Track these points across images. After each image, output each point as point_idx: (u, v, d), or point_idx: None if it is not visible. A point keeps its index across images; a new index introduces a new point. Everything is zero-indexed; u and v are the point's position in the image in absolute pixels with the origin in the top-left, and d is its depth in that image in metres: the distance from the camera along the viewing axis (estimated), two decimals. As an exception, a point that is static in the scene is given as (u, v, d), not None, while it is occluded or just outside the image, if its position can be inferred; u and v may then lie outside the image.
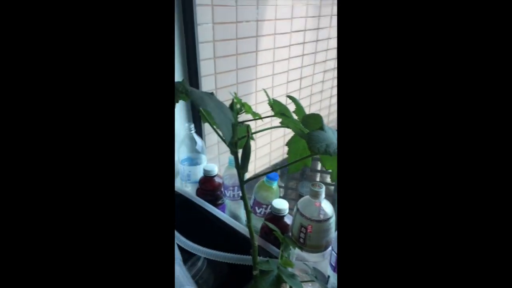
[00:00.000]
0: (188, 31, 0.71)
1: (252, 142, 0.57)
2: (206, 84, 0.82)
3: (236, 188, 0.73)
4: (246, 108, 0.49)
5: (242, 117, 0.53)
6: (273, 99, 0.45)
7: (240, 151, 0.50)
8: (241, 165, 0.49)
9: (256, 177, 0.53)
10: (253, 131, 0.54)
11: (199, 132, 0.84)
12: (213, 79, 0.84)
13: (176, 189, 0.76)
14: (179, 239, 0.64)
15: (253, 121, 0.54)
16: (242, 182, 0.50)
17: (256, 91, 1.02)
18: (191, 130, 0.77)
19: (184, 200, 0.74)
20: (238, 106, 0.49)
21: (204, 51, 0.79)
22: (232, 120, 0.36)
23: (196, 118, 0.80)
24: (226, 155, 1.07)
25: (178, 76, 0.73)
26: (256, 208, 0.66)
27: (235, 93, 0.50)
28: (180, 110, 0.77)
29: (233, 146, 0.50)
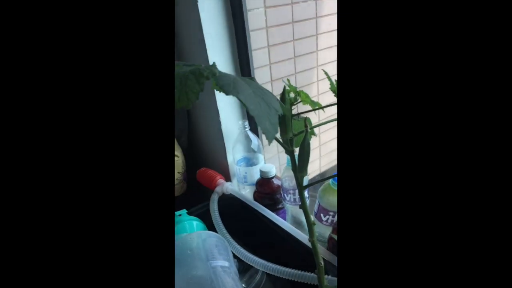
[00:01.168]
0: (237, 19, 0.64)
1: (313, 139, 0.48)
2: (260, 76, 0.74)
3: (297, 191, 0.64)
4: (302, 96, 0.40)
5: (299, 108, 0.43)
6: (336, 81, 0.35)
7: (297, 150, 0.41)
8: (299, 167, 0.40)
9: (320, 180, 0.43)
10: (314, 124, 0.44)
11: (255, 129, 0.76)
12: (268, 70, 0.77)
13: (232, 192, 0.71)
14: (236, 248, 0.58)
15: (315, 114, 0.44)
16: (300, 187, 0.40)
17: (318, 80, 0.90)
18: (245, 128, 0.71)
19: (239, 204, 0.68)
20: (292, 95, 0.40)
21: (256, 39, 0.72)
22: (278, 111, 0.27)
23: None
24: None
25: (228, 69, 0.67)
26: (322, 215, 0.56)
27: (288, 80, 0.41)
28: (231, 106, 0.71)
29: (287, 144, 0.41)
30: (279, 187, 0.68)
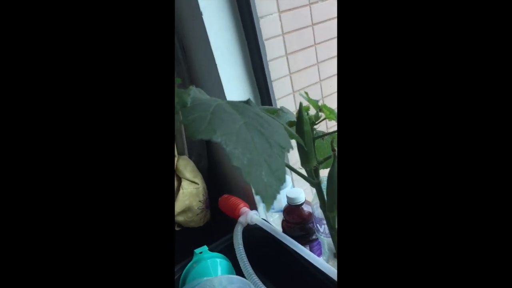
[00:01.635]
0: (248, 28, 0.57)
1: None
2: (280, 89, 0.66)
3: (331, 221, 0.54)
4: (325, 112, 0.31)
5: (322, 126, 0.35)
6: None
7: (324, 181, 0.32)
8: (328, 204, 0.31)
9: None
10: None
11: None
12: (289, 81, 0.68)
13: (257, 222, 0.62)
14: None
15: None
16: (333, 230, 0.31)
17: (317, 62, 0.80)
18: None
19: (266, 236, 0.59)
20: (313, 111, 0.32)
21: (272, 48, 0.64)
22: (285, 147, 0.19)
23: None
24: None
25: (241, 85, 0.60)
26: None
27: (306, 93, 0.33)
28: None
29: (311, 176, 0.32)
30: (310, 214, 0.59)
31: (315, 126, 0.32)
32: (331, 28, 0.74)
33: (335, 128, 0.33)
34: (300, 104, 0.29)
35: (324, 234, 0.55)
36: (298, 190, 0.58)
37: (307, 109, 0.31)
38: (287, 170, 0.69)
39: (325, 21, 0.72)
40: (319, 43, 0.72)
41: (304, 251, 0.52)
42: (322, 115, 0.31)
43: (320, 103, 0.32)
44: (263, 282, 0.52)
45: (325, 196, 0.31)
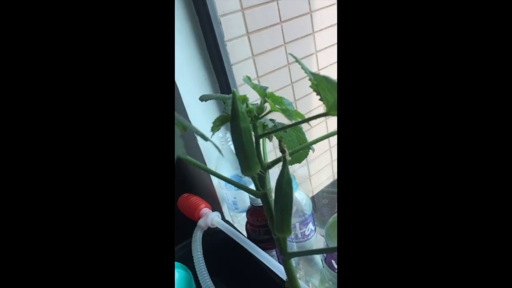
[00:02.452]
0: (206, 28, 0.49)
1: (321, 142, 0.32)
2: (241, 73, 0.58)
3: (298, 224, 0.48)
4: (270, 103, 0.24)
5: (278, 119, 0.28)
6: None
7: (273, 192, 0.25)
8: (277, 223, 0.24)
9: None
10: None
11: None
12: (252, 64, 0.61)
13: (218, 225, 0.56)
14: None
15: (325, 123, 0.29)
16: (284, 252, 0.25)
17: (316, 51, 0.73)
18: (228, 142, 0.55)
19: (228, 240, 0.53)
20: (250, 105, 0.24)
21: (235, 51, 0.56)
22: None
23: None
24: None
25: (197, 77, 0.52)
26: (333, 262, 0.40)
27: (248, 78, 0.25)
28: (205, 113, 0.56)
29: (256, 184, 0.25)
30: (276, 215, 0.52)
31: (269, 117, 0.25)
32: (304, 24, 0.66)
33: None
34: (233, 92, 0.21)
35: (291, 239, 0.49)
36: (262, 188, 0.51)
37: (245, 99, 0.23)
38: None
39: (297, 17, 0.63)
40: (289, 42, 0.64)
41: (267, 259, 0.46)
42: (267, 106, 0.24)
43: (267, 91, 0.25)
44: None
45: (273, 211, 0.24)
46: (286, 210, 0.23)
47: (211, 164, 0.59)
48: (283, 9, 0.61)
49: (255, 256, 0.48)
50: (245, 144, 0.22)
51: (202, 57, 0.52)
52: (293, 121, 0.25)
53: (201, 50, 0.51)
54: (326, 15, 0.70)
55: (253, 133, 0.24)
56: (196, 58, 0.51)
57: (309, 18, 0.67)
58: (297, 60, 0.19)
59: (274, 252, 0.53)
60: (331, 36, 0.71)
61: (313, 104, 0.74)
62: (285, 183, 0.23)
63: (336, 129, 0.24)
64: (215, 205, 0.63)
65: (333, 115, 0.20)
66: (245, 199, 0.58)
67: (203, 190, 0.64)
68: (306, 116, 0.28)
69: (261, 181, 0.25)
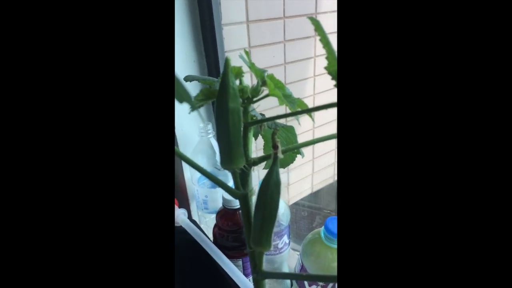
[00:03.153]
0: (203, 5, 0.44)
1: (305, 149, 0.29)
2: (232, 42, 0.54)
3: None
4: (270, 85, 0.19)
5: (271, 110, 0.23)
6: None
7: (253, 197, 0.20)
8: (254, 234, 0.19)
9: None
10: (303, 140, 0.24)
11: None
12: (245, 31, 0.56)
13: (183, 224, 0.50)
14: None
15: (309, 117, 0.26)
16: (257, 270, 0.20)
17: (315, 75, 0.70)
18: (208, 134, 0.50)
19: (189, 243, 0.47)
20: (252, 82, 0.20)
21: (231, 38, 0.51)
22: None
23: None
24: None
25: (185, 56, 0.46)
26: (306, 284, 0.35)
27: (246, 52, 0.20)
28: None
29: (236, 181, 0.20)
30: (249, 222, 0.47)
31: (257, 105, 0.20)
32: (307, 3, 0.62)
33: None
34: (226, 59, 0.17)
35: (260, 250, 0.44)
36: (237, 190, 0.47)
37: (239, 72, 0.19)
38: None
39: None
40: (289, 16, 0.60)
41: (232, 269, 0.41)
42: (265, 90, 0.20)
43: (266, 74, 0.20)
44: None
45: (252, 218, 0.20)
46: (269, 218, 0.19)
47: (185, 156, 0.54)
48: (288, 4, 0.58)
49: (218, 265, 0.43)
50: (230, 129, 0.18)
51: (194, 37, 0.47)
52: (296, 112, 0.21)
53: (194, 28, 0.46)
54: (331, 19, 0.67)
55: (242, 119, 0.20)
56: (187, 36, 0.46)
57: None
58: (318, 27, 0.14)
59: (240, 262, 0.48)
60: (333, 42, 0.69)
61: (307, 91, 0.71)
62: (273, 185, 0.19)
63: (325, 135, 0.20)
64: (183, 202, 0.57)
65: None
66: (217, 199, 0.53)
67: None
68: (299, 122, 0.24)
69: (243, 179, 0.20)
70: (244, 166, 0.19)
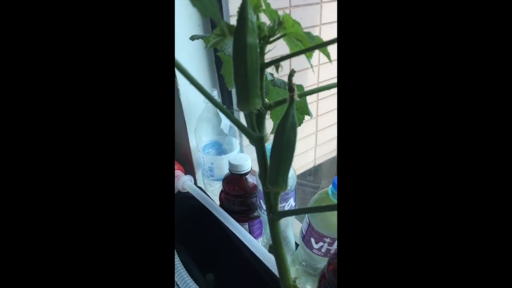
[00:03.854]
0: None
1: (307, 121, 0.28)
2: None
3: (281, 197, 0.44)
4: (288, 24, 0.19)
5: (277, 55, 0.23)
6: None
7: (270, 140, 0.20)
8: (270, 175, 0.20)
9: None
10: (306, 92, 0.24)
11: (228, 103, 0.55)
12: None
13: (190, 190, 0.51)
14: (182, 278, 0.38)
15: (313, 74, 0.25)
16: (274, 212, 0.21)
17: (321, 23, 0.67)
18: (213, 100, 0.50)
19: (199, 208, 0.48)
20: (267, 22, 0.19)
21: (235, 4, 0.49)
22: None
23: (222, 81, 0.52)
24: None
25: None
26: (313, 240, 0.36)
27: (261, -8, 0.20)
28: (196, 66, 0.50)
29: (251, 124, 0.20)
30: (255, 187, 0.48)
31: (268, 48, 0.20)
32: None
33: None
34: (245, -8, 0.16)
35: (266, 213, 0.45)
36: (244, 156, 0.47)
37: (258, 5, 0.18)
38: (236, 132, 0.57)
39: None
40: (294, 6, 0.58)
41: (240, 231, 0.42)
42: (279, 30, 0.19)
43: (282, 14, 0.20)
44: (187, 262, 0.41)
45: (268, 161, 0.20)
46: (286, 159, 0.19)
47: (191, 125, 0.53)
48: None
49: (226, 227, 0.44)
50: (248, 66, 0.17)
51: None
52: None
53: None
54: (334, 11, 0.65)
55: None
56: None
57: (319, 8, 0.63)
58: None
59: (246, 226, 0.49)
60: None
61: (309, 82, 0.70)
62: (289, 127, 0.19)
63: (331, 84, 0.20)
64: (189, 169, 0.57)
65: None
66: (223, 166, 0.53)
67: (177, 151, 0.58)
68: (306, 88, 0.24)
69: (259, 121, 0.20)
70: (261, 108, 0.19)
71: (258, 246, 0.40)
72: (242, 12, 0.17)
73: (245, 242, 0.41)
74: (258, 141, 0.20)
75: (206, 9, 0.12)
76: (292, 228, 0.49)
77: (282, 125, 0.19)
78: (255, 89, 0.18)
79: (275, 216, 0.20)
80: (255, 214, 0.49)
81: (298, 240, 0.44)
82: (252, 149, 0.60)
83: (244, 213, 0.49)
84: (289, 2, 0.59)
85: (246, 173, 0.47)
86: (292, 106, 0.19)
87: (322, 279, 0.34)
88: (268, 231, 0.47)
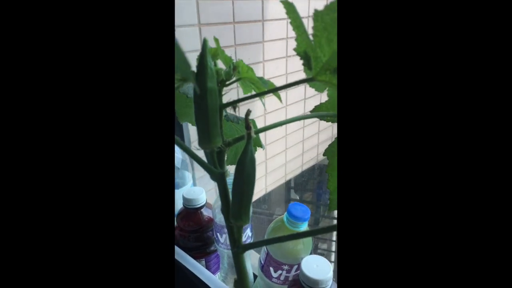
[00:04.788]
0: None
1: (257, 152, 0.30)
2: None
3: (235, 229, 0.44)
4: (242, 69, 0.21)
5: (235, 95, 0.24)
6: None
7: (230, 175, 0.21)
8: (233, 208, 0.20)
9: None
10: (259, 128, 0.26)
11: (180, 135, 0.55)
12: (197, 33, 0.56)
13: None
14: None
15: (263, 109, 0.27)
16: (238, 246, 0.21)
17: (264, 60, 0.73)
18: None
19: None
20: (220, 64, 0.21)
21: (183, 40, 0.51)
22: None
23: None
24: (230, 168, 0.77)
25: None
26: (272, 269, 0.37)
27: (216, 40, 0.22)
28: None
29: (212, 161, 0.21)
30: (210, 220, 0.48)
31: (225, 90, 0.21)
32: None
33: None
34: (204, 41, 0.18)
35: (224, 245, 0.44)
36: (198, 189, 0.47)
37: (215, 53, 0.20)
38: (188, 165, 0.56)
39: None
40: (238, 22, 0.63)
41: (197, 267, 0.41)
42: (233, 74, 0.21)
43: (235, 62, 0.22)
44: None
45: (230, 196, 0.21)
46: (247, 193, 0.20)
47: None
48: (237, 9, 0.60)
49: (184, 266, 0.42)
50: (209, 108, 0.19)
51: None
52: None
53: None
54: (277, 26, 0.71)
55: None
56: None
57: (261, 26, 0.68)
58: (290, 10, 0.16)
59: (203, 262, 0.47)
60: (280, 48, 0.73)
61: (257, 112, 0.73)
62: (249, 162, 0.20)
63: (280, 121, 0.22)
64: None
65: (320, 80, 0.18)
66: (176, 201, 0.52)
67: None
68: (255, 119, 0.26)
69: (219, 158, 0.21)
70: (221, 145, 0.20)
71: (218, 282, 0.39)
72: (202, 59, 0.18)
73: (204, 280, 0.39)
74: (220, 177, 0.21)
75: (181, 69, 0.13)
76: (250, 259, 0.49)
77: (242, 160, 0.20)
78: (215, 129, 0.20)
79: (239, 249, 0.20)
80: (212, 248, 0.48)
81: (256, 271, 0.44)
82: (205, 182, 0.60)
83: (200, 249, 0.47)
84: (234, 40, 0.63)
85: (201, 207, 0.47)
86: (249, 142, 0.20)
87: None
88: (226, 264, 0.47)
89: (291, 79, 0.79)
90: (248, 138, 0.20)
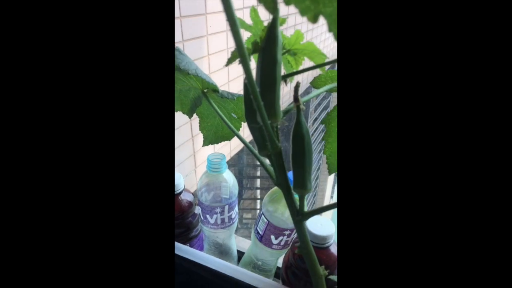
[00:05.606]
0: None
1: (187, 143, 0.32)
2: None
3: (227, 207, 0.43)
4: (300, 36, 0.21)
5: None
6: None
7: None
8: (297, 179, 0.21)
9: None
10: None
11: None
12: None
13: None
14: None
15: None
16: (300, 212, 0.22)
17: (208, 54, 0.70)
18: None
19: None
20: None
21: None
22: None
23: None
24: (204, 152, 0.72)
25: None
26: (273, 237, 0.39)
27: (253, 9, 0.21)
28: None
29: (273, 137, 0.21)
30: (190, 204, 0.46)
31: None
32: None
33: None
34: (276, 12, 0.17)
35: (212, 226, 0.44)
36: (176, 175, 0.44)
37: (283, 22, 0.19)
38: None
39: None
40: (184, 16, 0.58)
41: (188, 251, 0.40)
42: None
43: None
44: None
45: (291, 161, 0.21)
46: (308, 162, 0.21)
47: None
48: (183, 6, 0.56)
49: (178, 255, 0.40)
50: (277, 81, 0.18)
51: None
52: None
53: None
54: (219, 19, 0.69)
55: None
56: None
57: (204, 20, 0.65)
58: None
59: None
60: (222, 41, 0.71)
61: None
62: (305, 132, 0.21)
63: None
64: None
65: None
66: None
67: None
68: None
69: (277, 134, 0.21)
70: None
71: (214, 259, 0.39)
72: (273, 31, 0.18)
73: (196, 260, 0.39)
74: (279, 152, 0.21)
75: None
76: (234, 237, 0.50)
77: (299, 131, 0.21)
78: (279, 103, 0.20)
79: (304, 217, 0.21)
80: (194, 233, 0.46)
81: (248, 246, 0.45)
82: (181, 167, 0.58)
83: (182, 235, 0.46)
84: (182, 36, 0.59)
85: (180, 193, 0.44)
86: (300, 114, 0.21)
87: (287, 269, 0.37)
88: (210, 244, 0.46)
89: (232, 71, 0.79)
90: (298, 110, 0.21)
